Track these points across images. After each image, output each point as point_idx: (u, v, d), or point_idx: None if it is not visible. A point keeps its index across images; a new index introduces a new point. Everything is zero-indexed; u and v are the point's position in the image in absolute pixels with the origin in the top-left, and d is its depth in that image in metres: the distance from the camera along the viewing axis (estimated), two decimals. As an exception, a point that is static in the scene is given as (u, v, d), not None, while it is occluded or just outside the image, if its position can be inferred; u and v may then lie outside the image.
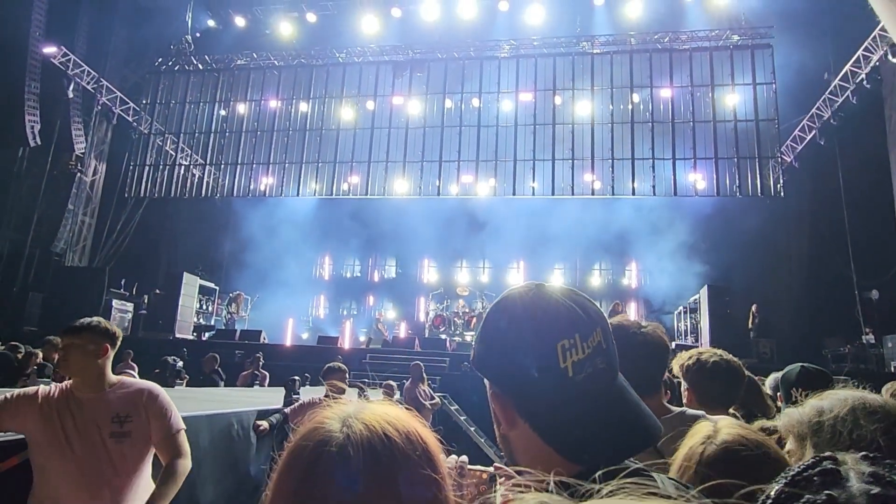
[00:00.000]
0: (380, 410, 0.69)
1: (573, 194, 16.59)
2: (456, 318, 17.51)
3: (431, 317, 17.97)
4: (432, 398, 7.88)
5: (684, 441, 1.05)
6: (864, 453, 0.58)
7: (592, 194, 16.62)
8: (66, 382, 2.42)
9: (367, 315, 20.81)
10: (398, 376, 9.19)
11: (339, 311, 21.42)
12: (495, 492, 1.07)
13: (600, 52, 17.04)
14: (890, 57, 13.09)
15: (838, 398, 0.99)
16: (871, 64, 13.70)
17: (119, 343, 2.49)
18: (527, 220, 17.89)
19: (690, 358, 2.09)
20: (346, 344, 16.16)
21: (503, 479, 1.10)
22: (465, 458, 1.10)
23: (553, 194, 16.66)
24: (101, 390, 2.38)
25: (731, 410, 2.23)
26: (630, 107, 16.65)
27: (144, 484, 2.39)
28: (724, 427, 1.03)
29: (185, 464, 2.40)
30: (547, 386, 0.74)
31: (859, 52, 13.89)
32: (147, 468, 2.42)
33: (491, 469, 1.08)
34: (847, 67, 14.34)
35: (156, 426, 2.39)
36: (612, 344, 0.80)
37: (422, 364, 8.16)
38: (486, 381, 0.84)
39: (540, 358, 0.75)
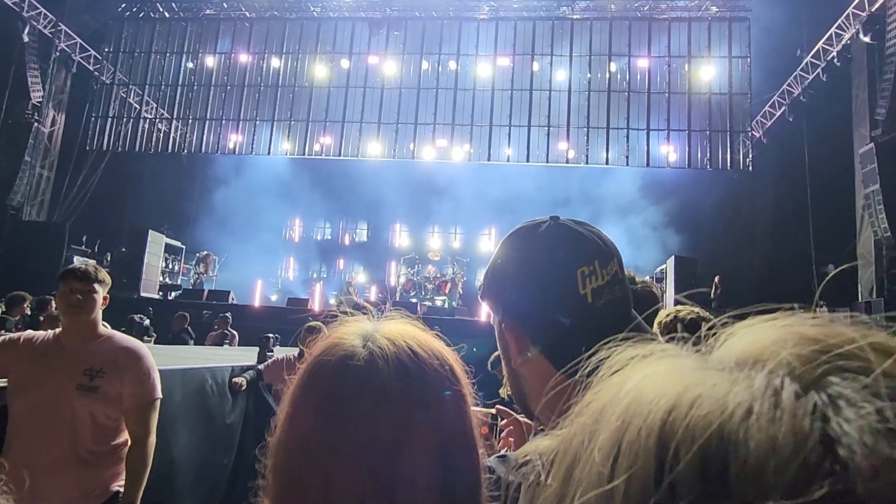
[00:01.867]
0: (400, 327, 0.68)
1: (547, 162, 16.63)
2: (427, 283, 17.57)
3: (402, 281, 17.99)
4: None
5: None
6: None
7: (567, 162, 16.68)
8: (55, 330, 2.37)
9: (337, 278, 20.70)
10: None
11: (309, 274, 21.24)
12: (498, 432, 1.09)
13: (580, 17, 16.86)
14: (861, 36, 13.30)
15: None
16: (843, 42, 13.90)
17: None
18: (500, 186, 17.88)
19: (668, 315, 2.14)
20: (316, 306, 16.07)
21: (504, 420, 1.12)
22: None
23: (528, 161, 16.67)
24: (89, 341, 2.33)
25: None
26: (607, 75, 16.63)
27: (117, 451, 2.33)
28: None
29: (151, 441, 2.36)
30: (566, 312, 0.73)
31: (832, 29, 14.07)
32: (120, 434, 2.35)
33: (493, 410, 1.10)
34: (819, 45, 14.53)
35: (130, 390, 2.31)
36: (626, 275, 0.80)
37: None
38: (494, 314, 0.82)
39: (560, 283, 0.73)
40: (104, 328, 2.44)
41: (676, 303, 13.13)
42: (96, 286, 2.33)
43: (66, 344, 2.31)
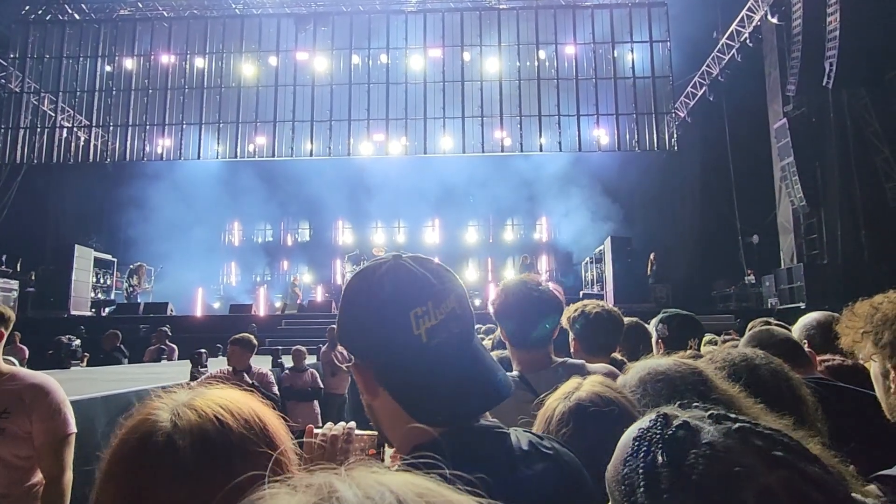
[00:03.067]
0: (214, 395, 0.68)
1: (483, 152, 16.80)
2: (373, 279, 17.47)
3: (348, 279, 17.80)
4: (350, 360, 7.90)
5: (549, 398, 1.12)
6: (677, 403, 0.65)
7: (502, 151, 16.90)
8: None
9: (281, 280, 20.33)
10: (315, 340, 9.13)
11: (253, 278, 20.77)
12: (383, 453, 1.13)
13: (507, 7, 17.04)
14: (769, 17, 14.03)
15: (635, 370, 1.09)
16: (754, 24, 14.64)
17: (11, 326, 2.34)
18: (440, 178, 17.96)
19: (576, 311, 2.25)
20: (260, 311, 15.76)
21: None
22: (352, 423, 1.14)
23: (464, 152, 16.79)
24: None
25: (617, 356, 2.43)
26: (536, 63, 16.90)
27: (31, 492, 2.23)
28: (585, 384, 1.09)
29: (68, 478, 2.27)
30: (402, 353, 0.77)
31: (743, 12, 14.78)
32: (34, 475, 2.25)
33: (376, 432, 1.13)
34: (732, 27, 15.25)
35: (40, 428, 2.21)
36: (468, 309, 0.84)
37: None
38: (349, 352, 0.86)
39: (394, 327, 0.77)
40: (7, 365, 2.33)
41: (615, 280, 13.52)
42: None
43: None
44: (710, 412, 0.59)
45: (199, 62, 17.57)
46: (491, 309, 1.85)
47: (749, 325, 2.82)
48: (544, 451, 0.84)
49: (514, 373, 1.76)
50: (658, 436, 0.58)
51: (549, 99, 16.67)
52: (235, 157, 17.33)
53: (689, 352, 1.95)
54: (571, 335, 2.27)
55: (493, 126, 16.74)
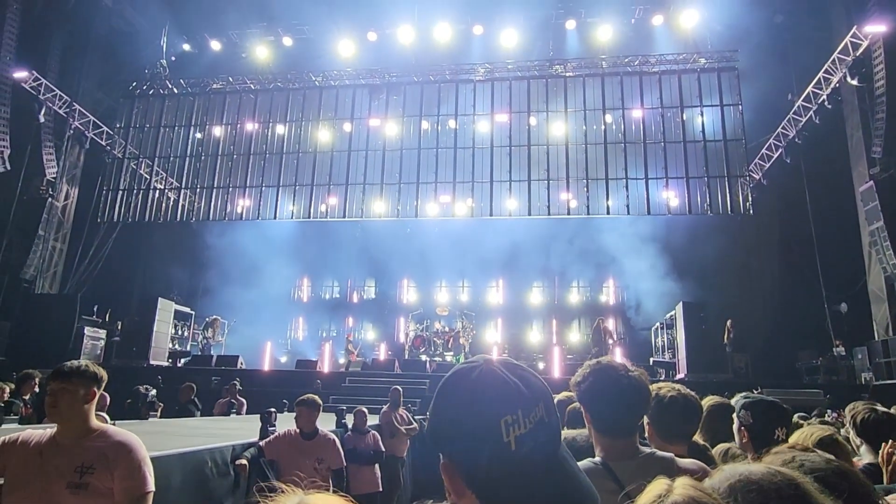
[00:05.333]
0: (321, 501, 0.71)
1: (549, 214, 16.78)
2: (436, 339, 17.48)
3: (411, 337, 17.93)
4: (410, 423, 7.83)
5: (639, 498, 1.07)
6: None
7: (568, 214, 16.82)
8: (53, 428, 2.38)
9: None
10: (378, 400, 9.14)
11: (319, 334, 21.25)
12: None
13: (573, 74, 17.40)
14: (848, 79, 13.60)
15: (724, 475, 1.02)
16: (832, 85, 14.21)
17: (104, 385, 2.47)
18: (504, 238, 18.05)
19: (651, 395, 2.15)
20: (325, 367, 15.98)
21: None
22: None
23: (529, 214, 16.83)
24: (82, 437, 2.33)
25: (699, 440, 2.29)
26: (603, 127, 16.98)
27: None
28: (677, 487, 1.04)
29: None
30: (491, 460, 0.78)
31: (820, 74, 14.40)
32: None
33: None
34: (809, 89, 14.85)
35: (120, 485, 2.28)
36: (556, 416, 0.84)
37: (401, 389, 8.10)
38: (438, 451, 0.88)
39: (485, 433, 0.78)
40: (99, 422, 2.46)
41: (687, 348, 12.88)
42: (67, 386, 2.33)
43: (59, 442, 2.32)
44: None
45: (280, 129, 18.83)
46: (574, 390, 1.80)
47: (850, 407, 2.60)
48: None
49: (597, 459, 1.68)
50: None
51: (617, 162, 16.61)
52: (308, 217, 18.15)
53: (778, 448, 1.81)
54: (646, 419, 2.17)
55: (559, 189, 16.77)
